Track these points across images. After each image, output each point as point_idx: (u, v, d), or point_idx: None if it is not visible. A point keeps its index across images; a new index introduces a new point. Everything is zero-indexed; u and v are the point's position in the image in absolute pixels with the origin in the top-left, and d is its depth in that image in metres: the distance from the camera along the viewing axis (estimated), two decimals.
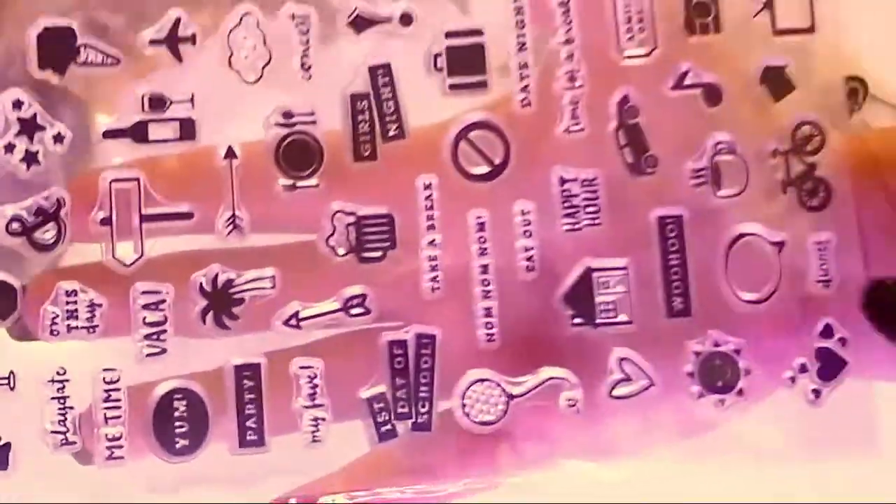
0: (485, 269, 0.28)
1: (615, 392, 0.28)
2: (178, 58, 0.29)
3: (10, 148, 0.28)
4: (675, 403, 0.28)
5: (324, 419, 0.28)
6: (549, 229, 0.28)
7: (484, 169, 0.29)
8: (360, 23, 0.29)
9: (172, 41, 0.29)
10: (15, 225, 0.28)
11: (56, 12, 0.29)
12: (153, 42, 0.29)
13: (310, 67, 0.29)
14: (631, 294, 0.28)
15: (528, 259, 0.28)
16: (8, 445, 0.27)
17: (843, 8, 0.29)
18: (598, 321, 0.28)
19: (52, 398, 0.27)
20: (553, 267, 0.28)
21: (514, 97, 0.29)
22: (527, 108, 0.29)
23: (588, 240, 0.28)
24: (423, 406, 0.28)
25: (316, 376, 0.28)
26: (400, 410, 0.28)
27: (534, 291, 0.28)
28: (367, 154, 0.29)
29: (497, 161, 0.29)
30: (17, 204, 0.28)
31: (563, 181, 0.29)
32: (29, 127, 0.28)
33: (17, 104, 0.28)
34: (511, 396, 0.28)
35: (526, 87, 0.29)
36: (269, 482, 0.28)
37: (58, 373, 0.27)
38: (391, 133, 0.29)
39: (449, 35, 0.29)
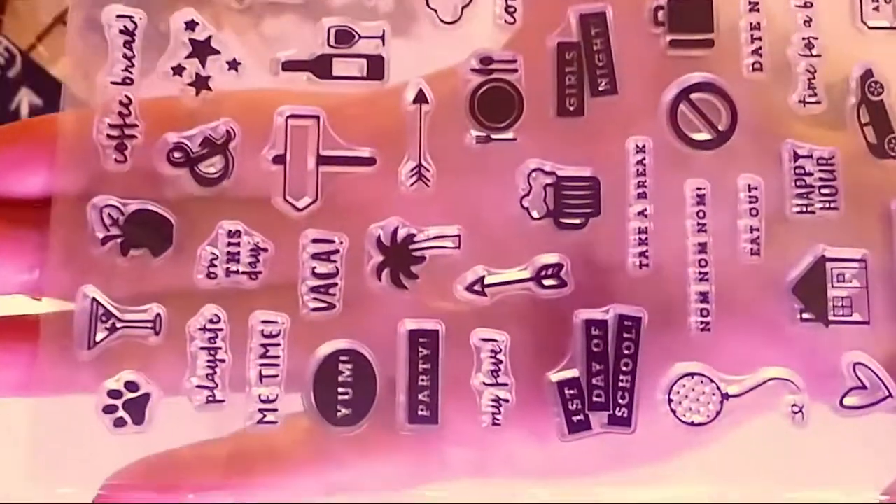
0: (702, 248, 0.25)
1: (846, 401, 0.24)
2: None
3: (178, 70, 0.25)
4: None
5: (507, 401, 0.24)
6: (778, 209, 0.25)
7: (706, 135, 0.25)
8: None
9: None
10: (178, 154, 0.25)
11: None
12: None
13: (514, 11, 0.26)
14: (868, 291, 0.24)
15: (753, 241, 0.25)
16: (146, 397, 0.24)
17: None
18: (830, 318, 0.24)
19: (202, 348, 0.24)
20: (780, 252, 0.25)
21: (744, 60, 0.25)
22: (757, 72, 0.25)
23: (822, 225, 0.25)
24: (623, 397, 0.24)
25: (500, 351, 0.24)
26: (595, 400, 0.24)
27: (757, 278, 0.25)
28: (572, 108, 0.25)
29: (721, 128, 0.25)
30: (183, 132, 0.25)
31: (795, 157, 0.25)
32: (202, 50, 0.25)
33: (191, 25, 0.25)
34: (726, 396, 0.24)
35: (758, 49, 0.25)
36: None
37: (211, 321, 0.24)
38: (601, 87, 0.25)
39: None
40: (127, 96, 0.25)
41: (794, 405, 0.24)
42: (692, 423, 0.24)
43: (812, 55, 0.25)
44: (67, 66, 0.25)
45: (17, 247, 0.24)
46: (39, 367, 0.24)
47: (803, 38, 0.25)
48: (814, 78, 0.25)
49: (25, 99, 0.43)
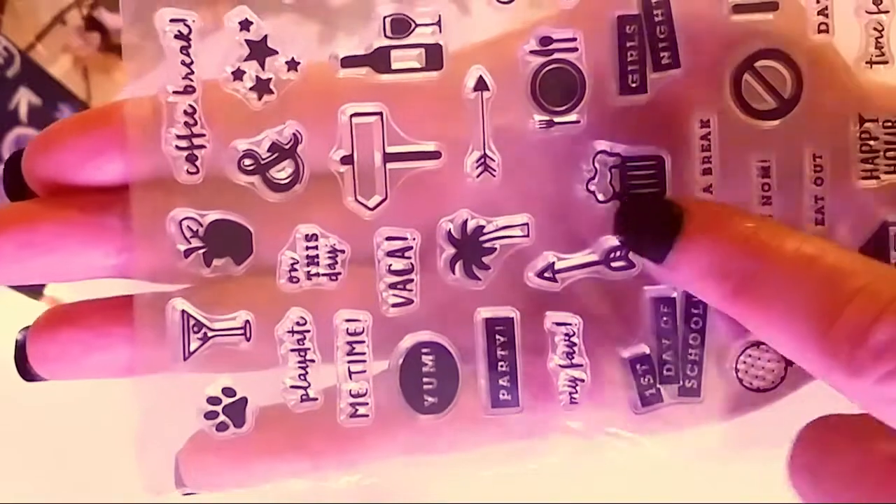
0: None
1: None
2: None
3: (238, 74, 0.25)
4: None
5: (582, 380, 0.26)
6: (843, 177, 0.25)
7: (771, 105, 0.25)
8: None
9: None
10: (248, 161, 0.25)
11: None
12: None
13: None
14: None
15: (818, 210, 0.25)
16: (244, 400, 0.26)
17: None
18: None
19: (292, 350, 0.26)
20: (845, 221, 0.25)
21: (810, 21, 0.25)
22: (823, 34, 0.25)
23: (887, 191, 0.25)
24: (692, 370, 0.26)
25: (573, 334, 0.26)
26: (666, 374, 0.26)
27: None
28: (635, 86, 0.25)
29: (787, 96, 0.25)
30: (251, 139, 0.25)
31: (861, 121, 0.25)
32: (259, 51, 0.25)
33: (246, 24, 0.25)
34: (790, 362, 0.25)
35: (824, 9, 0.25)
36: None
37: (298, 323, 0.26)
38: (664, 62, 0.25)
39: None
40: (191, 105, 0.25)
41: None
42: (758, 389, 0.25)
43: (880, 11, 0.25)
44: (126, 76, 0.25)
45: (102, 232, 0.25)
46: (138, 349, 0.25)
47: None
48: (881, 37, 0.25)
49: (24, 98, 0.43)
